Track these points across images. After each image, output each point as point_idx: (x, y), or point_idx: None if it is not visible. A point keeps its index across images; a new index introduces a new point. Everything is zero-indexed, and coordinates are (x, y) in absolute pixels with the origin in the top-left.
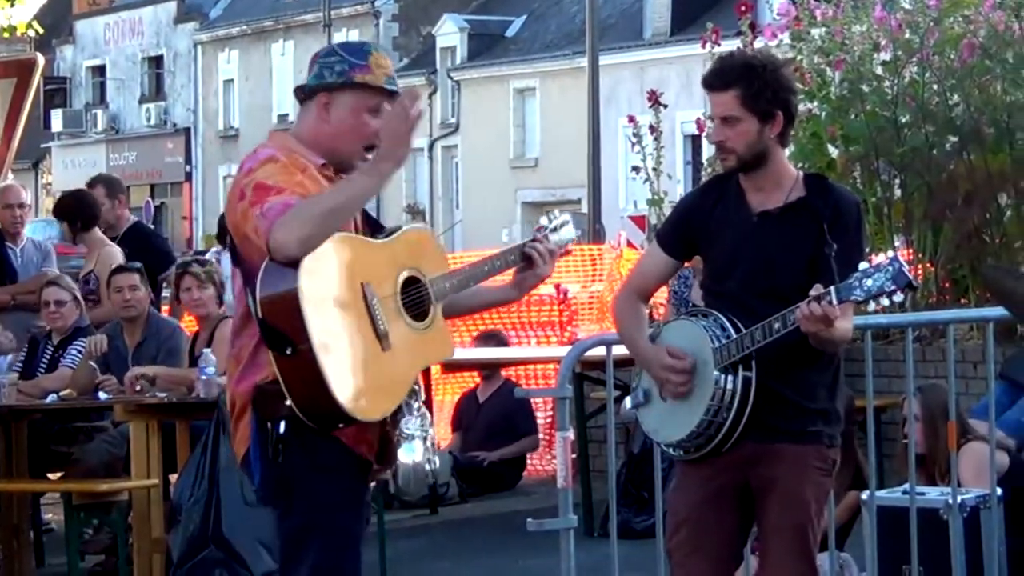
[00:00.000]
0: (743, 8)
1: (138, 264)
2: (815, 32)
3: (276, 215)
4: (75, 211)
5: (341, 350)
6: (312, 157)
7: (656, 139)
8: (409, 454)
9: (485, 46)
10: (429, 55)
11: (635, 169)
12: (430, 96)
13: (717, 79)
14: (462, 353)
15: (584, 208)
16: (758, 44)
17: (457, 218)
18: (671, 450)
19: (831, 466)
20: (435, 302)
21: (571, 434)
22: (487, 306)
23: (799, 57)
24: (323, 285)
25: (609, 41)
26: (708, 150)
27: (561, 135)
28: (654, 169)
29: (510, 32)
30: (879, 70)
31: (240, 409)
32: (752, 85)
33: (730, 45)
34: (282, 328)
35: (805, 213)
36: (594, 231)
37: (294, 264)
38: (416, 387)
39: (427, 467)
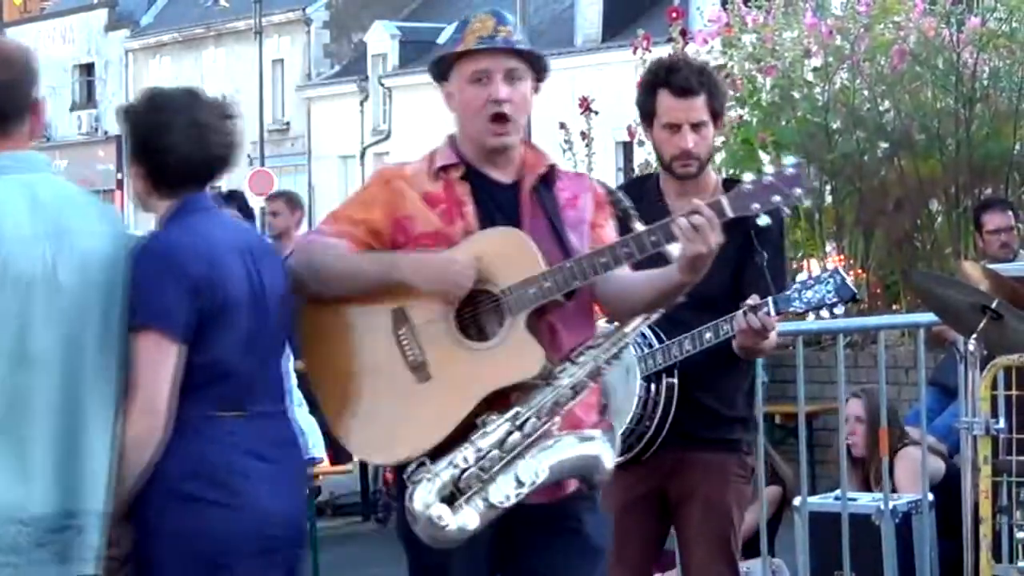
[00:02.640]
0: (674, 15)
1: None
2: (746, 38)
3: (303, 242)
4: None
5: (348, 388)
6: (442, 159)
7: (587, 145)
8: (423, 498)
9: (417, 53)
10: (360, 62)
11: None
12: (361, 103)
13: (694, 83)
14: None
15: None
16: (689, 50)
17: None
18: None
19: (750, 473)
20: (512, 314)
21: None
22: (662, 296)
23: (730, 63)
24: (336, 318)
25: (540, 47)
26: (639, 156)
27: None
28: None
29: (442, 39)
30: (810, 76)
31: None
32: (716, 90)
33: (661, 51)
34: None
35: (730, 220)
36: None
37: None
38: (486, 421)
39: (445, 524)
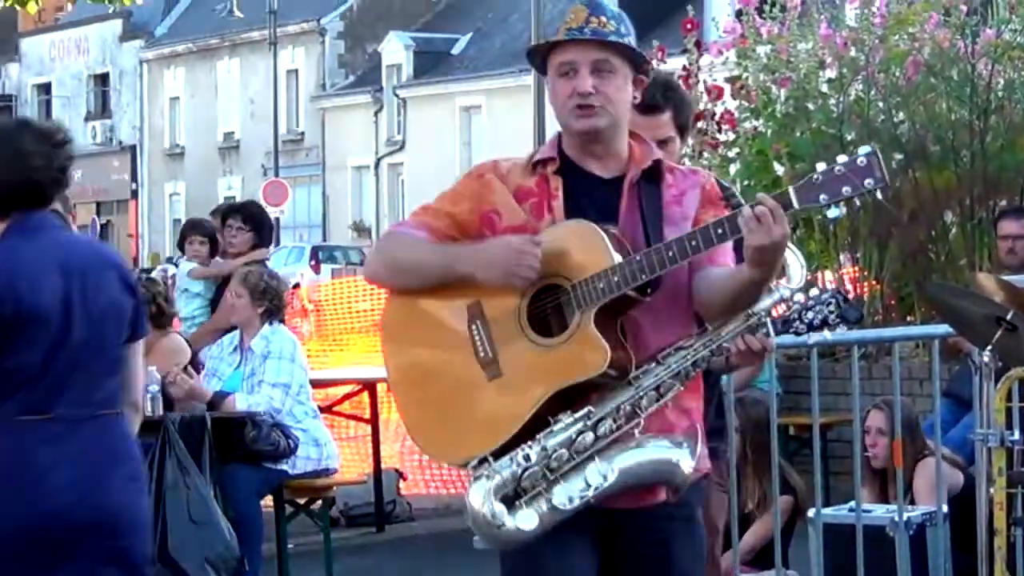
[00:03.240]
0: (689, 26)
1: None
2: (761, 50)
3: (392, 227)
4: None
5: (422, 386)
6: (541, 154)
7: None
8: (480, 495)
9: (431, 63)
10: (375, 72)
11: None
12: (375, 114)
13: (659, 99)
14: None
15: None
16: (704, 62)
17: None
18: None
19: (726, 480)
20: (580, 309)
21: None
22: (737, 295)
23: (745, 75)
24: (414, 311)
25: None
26: None
27: (507, 152)
28: None
29: (456, 50)
30: (824, 88)
31: None
32: (681, 103)
33: (676, 63)
34: None
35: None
36: None
37: None
38: (556, 420)
39: (501, 523)
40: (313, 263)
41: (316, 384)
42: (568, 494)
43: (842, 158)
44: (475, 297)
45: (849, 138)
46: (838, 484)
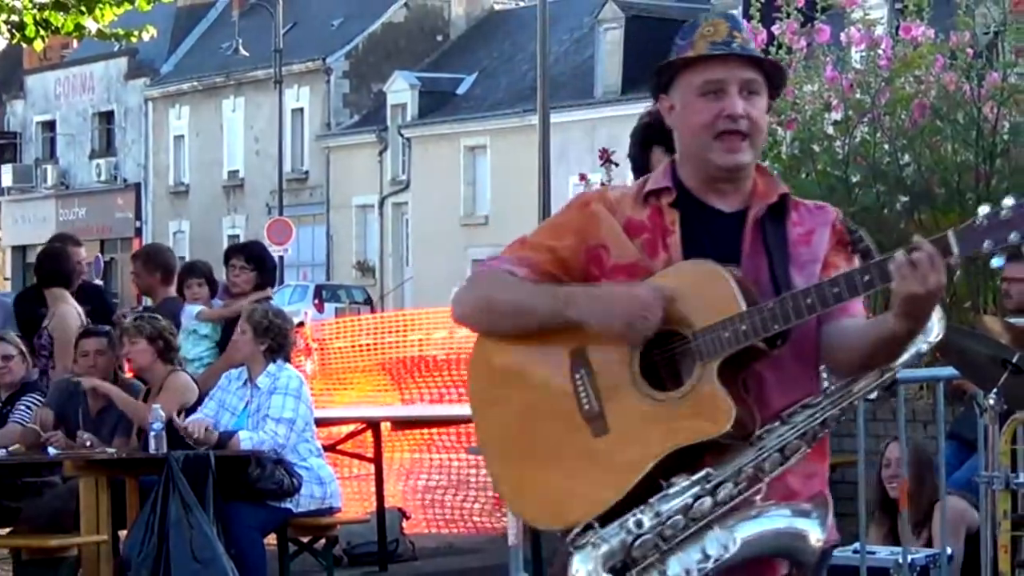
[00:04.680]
0: None
1: (106, 328)
2: None
3: (478, 269)
4: (39, 266)
5: (516, 440)
6: (654, 183)
7: None
8: (587, 566)
9: (436, 103)
10: (380, 112)
11: None
12: (380, 153)
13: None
14: (414, 410)
15: None
16: None
17: (407, 275)
18: None
19: None
20: (702, 360)
21: None
22: (878, 348)
23: None
24: (505, 359)
25: (560, 99)
26: None
27: (512, 193)
28: None
29: (461, 90)
30: (830, 130)
31: None
32: None
33: None
34: None
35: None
36: None
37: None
38: (672, 483)
39: None
40: (317, 302)
41: (320, 423)
42: (684, 566)
43: (1009, 201)
44: (578, 343)
45: (854, 180)
46: (844, 525)
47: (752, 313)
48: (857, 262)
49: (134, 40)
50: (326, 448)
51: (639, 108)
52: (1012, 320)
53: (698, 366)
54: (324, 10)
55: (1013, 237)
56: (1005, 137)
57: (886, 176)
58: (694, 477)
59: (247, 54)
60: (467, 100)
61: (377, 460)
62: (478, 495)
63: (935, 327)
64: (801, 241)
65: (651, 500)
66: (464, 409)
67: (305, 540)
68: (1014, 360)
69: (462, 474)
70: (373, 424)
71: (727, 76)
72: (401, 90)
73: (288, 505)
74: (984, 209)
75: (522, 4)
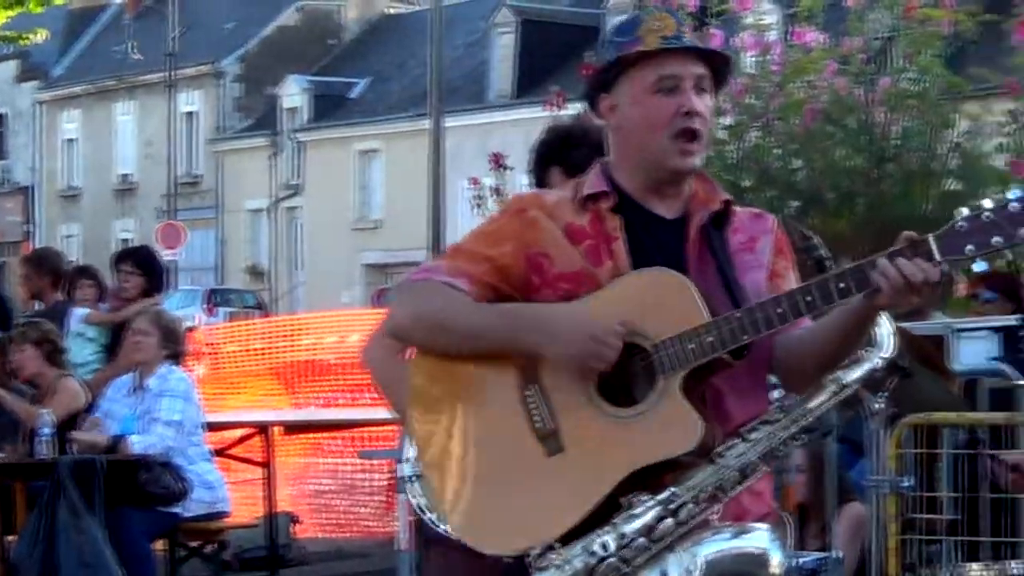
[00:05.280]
0: (586, 71)
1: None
2: None
3: (412, 280)
4: None
5: (462, 462)
6: (590, 187)
7: (499, 201)
8: None
9: (329, 107)
10: (273, 116)
11: None
12: (273, 157)
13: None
14: (304, 414)
15: None
16: None
17: (299, 280)
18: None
19: None
20: (664, 374)
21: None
22: (833, 361)
23: None
24: (449, 372)
25: (453, 103)
26: None
27: (404, 197)
28: None
29: (354, 94)
30: (722, 134)
31: None
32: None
33: (574, 108)
34: None
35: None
36: None
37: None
38: (633, 503)
39: None
40: (208, 306)
41: (210, 427)
42: None
43: (988, 202)
44: (528, 357)
45: (746, 184)
46: None
47: (719, 324)
48: (796, 272)
49: (25, 43)
50: (216, 452)
51: (532, 113)
52: (900, 324)
53: (660, 380)
54: (217, 14)
55: (996, 241)
56: (896, 142)
57: (777, 181)
58: (659, 497)
59: (140, 57)
60: (360, 104)
61: (267, 464)
62: (368, 499)
63: (887, 341)
64: (744, 248)
65: (615, 520)
66: (354, 413)
67: (195, 545)
68: (902, 364)
69: (352, 478)
70: (263, 428)
71: (682, 71)
72: (294, 94)
73: (177, 510)
74: (963, 211)
75: (415, 8)
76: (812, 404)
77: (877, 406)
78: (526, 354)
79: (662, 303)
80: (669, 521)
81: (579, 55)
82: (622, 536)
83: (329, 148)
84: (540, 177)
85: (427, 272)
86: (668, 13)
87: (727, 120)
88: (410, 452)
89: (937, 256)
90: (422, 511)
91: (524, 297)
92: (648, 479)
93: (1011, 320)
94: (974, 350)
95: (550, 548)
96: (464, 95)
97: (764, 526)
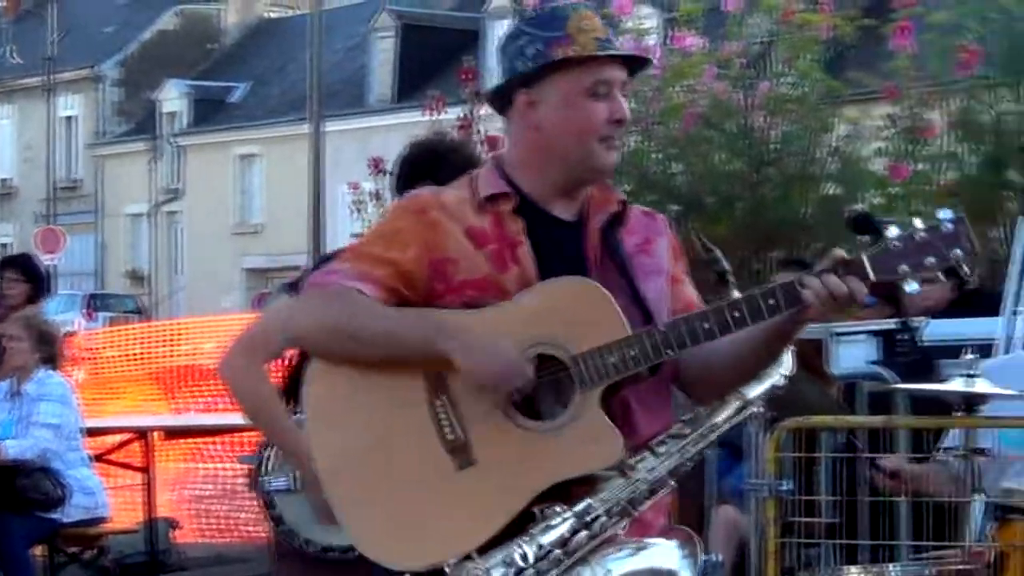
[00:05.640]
0: (465, 76)
1: None
2: None
3: (311, 284)
4: None
5: (365, 477)
6: (488, 187)
7: (378, 206)
8: None
9: (209, 112)
10: (152, 120)
11: (357, 236)
12: (153, 161)
13: None
14: (184, 419)
15: None
16: (482, 112)
17: (180, 284)
18: (306, 545)
19: None
20: (583, 387)
21: None
22: (751, 372)
23: None
24: (351, 377)
25: (333, 108)
26: None
27: (284, 201)
28: None
29: (234, 98)
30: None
31: None
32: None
33: (454, 113)
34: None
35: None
36: None
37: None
38: (548, 513)
39: None
40: (87, 311)
41: (90, 432)
42: None
43: (920, 222)
44: (437, 365)
45: (625, 189)
46: None
47: (641, 337)
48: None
49: None
50: (96, 458)
51: (412, 117)
52: None
53: (578, 393)
54: (97, 18)
55: (930, 262)
56: (775, 146)
57: (657, 185)
58: (575, 508)
59: (19, 61)
60: (240, 108)
61: (147, 470)
62: (247, 504)
63: (787, 359)
64: (641, 251)
65: (532, 531)
66: (234, 418)
67: (74, 551)
68: None
69: (232, 483)
70: (143, 433)
71: (613, 77)
72: (173, 98)
73: (56, 515)
74: (894, 230)
75: (295, 12)
76: (718, 419)
77: (756, 410)
78: (438, 361)
79: (581, 314)
80: (583, 534)
81: (459, 59)
82: (540, 547)
83: (209, 152)
84: (407, 192)
85: (330, 276)
86: (592, 12)
87: None
88: (274, 463)
89: (871, 276)
90: (280, 523)
91: (427, 303)
92: (558, 490)
93: (890, 324)
94: (853, 354)
95: (467, 558)
96: (344, 99)
97: (673, 543)
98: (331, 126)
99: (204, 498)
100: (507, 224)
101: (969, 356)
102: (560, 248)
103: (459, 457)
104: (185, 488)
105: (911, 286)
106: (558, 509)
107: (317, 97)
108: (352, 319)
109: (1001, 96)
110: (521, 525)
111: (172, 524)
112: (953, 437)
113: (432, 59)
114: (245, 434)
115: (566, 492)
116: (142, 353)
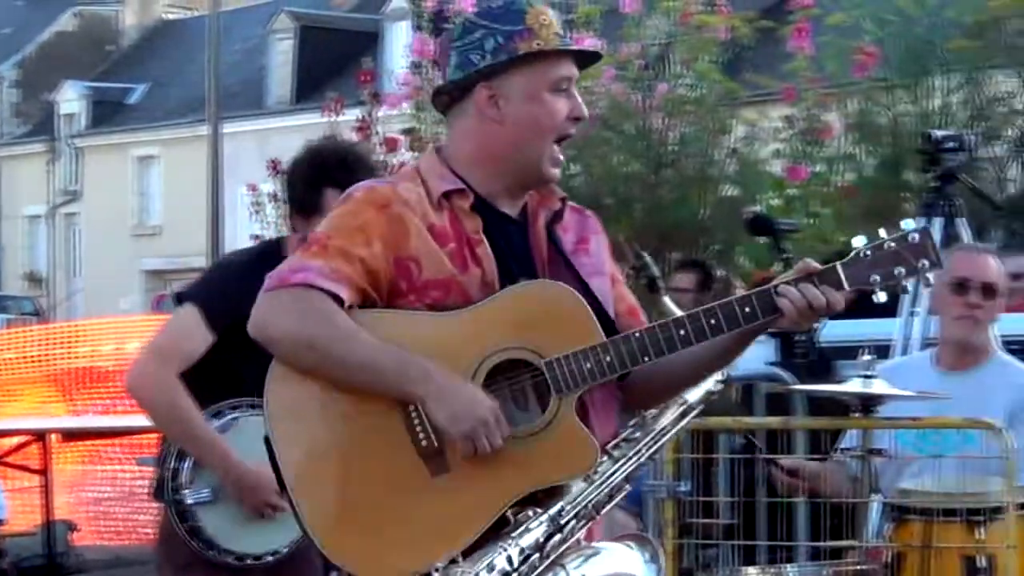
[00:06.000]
0: (364, 78)
1: None
2: None
3: (277, 281)
4: None
5: (337, 484)
6: (439, 180)
7: (277, 207)
8: None
9: (107, 113)
10: (50, 122)
11: (256, 238)
12: (50, 163)
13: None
14: (82, 421)
15: None
16: (380, 114)
17: (78, 286)
18: (223, 555)
19: None
20: (559, 393)
21: None
22: (701, 374)
23: (420, 126)
24: (314, 389)
25: (231, 109)
26: None
27: (183, 203)
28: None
29: (132, 100)
30: None
31: None
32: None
33: (353, 114)
34: (272, 455)
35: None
36: None
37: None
38: (522, 518)
39: None
40: None
41: None
42: None
43: (883, 232)
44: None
45: None
46: None
47: (617, 343)
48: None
49: None
50: None
51: (311, 119)
52: None
53: (555, 399)
54: None
55: (899, 272)
56: (673, 147)
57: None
58: (550, 512)
59: None
60: (138, 110)
61: (45, 472)
62: (146, 507)
63: None
64: (580, 250)
65: (512, 535)
66: (134, 420)
67: None
68: None
69: (131, 485)
70: (41, 435)
71: (572, 73)
72: (71, 100)
73: None
74: (861, 240)
75: (194, 14)
76: (665, 422)
77: (694, 413)
78: (410, 402)
79: (554, 318)
80: (557, 537)
81: (357, 61)
82: (521, 551)
83: (107, 154)
84: (310, 197)
85: (302, 273)
86: (546, 5)
87: None
88: (191, 476)
89: (846, 285)
90: (198, 535)
91: (390, 304)
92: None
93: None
94: (750, 355)
95: (452, 562)
96: (243, 101)
97: (634, 545)
98: (229, 128)
99: (103, 500)
100: (464, 222)
101: (866, 357)
102: (510, 246)
103: (433, 464)
104: (83, 490)
105: (879, 296)
106: (531, 513)
107: (215, 99)
108: (331, 343)
109: (898, 98)
110: (493, 530)
111: (70, 527)
112: (850, 438)
113: (331, 61)
114: (144, 436)
115: (533, 496)
116: (40, 355)
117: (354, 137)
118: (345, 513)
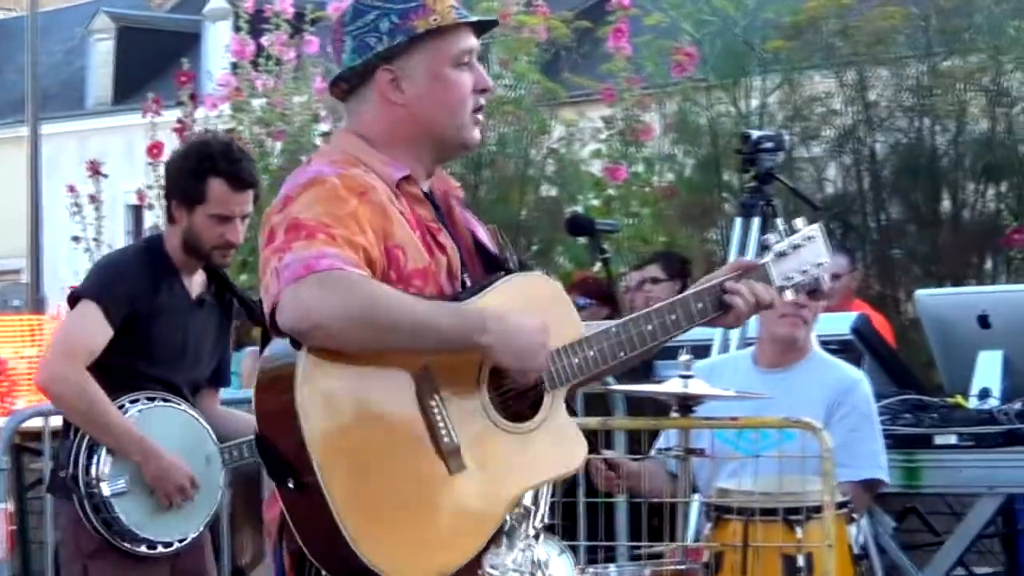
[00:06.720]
0: (184, 78)
1: None
2: (256, 103)
3: (304, 270)
4: None
5: (369, 485)
6: (386, 167)
7: (96, 208)
8: None
9: None
10: None
11: (75, 239)
12: None
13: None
14: None
15: (25, 278)
16: (199, 115)
17: None
18: (143, 547)
19: None
20: (552, 388)
21: (10, 506)
22: (630, 364)
23: (240, 127)
24: (343, 384)
25: (51, 110)
26: (149, 220)
27: (2, 204)
28: (95, 239)
29: None
30: (319, 141)
31: (272, 544)
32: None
33: (171, 115)
34: (282, 448)
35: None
36: (35, 301)
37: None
38: (525, 508)
39: None
40: None
41: None
42: None
43: (781, 223)
44: (422, 365)
45: None
46: None
47: (599, 339)
48: None
49: None
50: None
51: (131, 119)
52: None
53: (548, 395)
54: None
55: (811, 268)
56: (492, 148)
57: None
58: (533, 508)
59: None
60: None
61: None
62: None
63: None
64: (458, 205)
65: (520, 530)
66: None
67: None
68: None
69: None
70: None
71: (473, 45)
72: None
73: None
74: (771, 237)
75: (12, 14)
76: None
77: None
78: (473, 352)
79: (542, 313)
80: (540, 534)
81: (177, 62)
82: (528, 546)
83: None
84: (195, 187)
85: (327, 260)
86: None
87: (324, 126)
88: (106, 468)
89: (775, 282)
90: (114, 525)
91: None
92: None
93: None
94: None
95: (481, 555)
96: (62, 102)
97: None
98: (49, 128)
99: None
100: (417, 209)
101: (685, 357)
102: (443, 227)
103: (452, 461)
104: None
105: (788, 294)
106: (521, 510)
107: (34, 99)
108: (387, 311)
109: (717, 98)
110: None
111: None
112: (669, 437)
113: (150, 61)
114: None
115: None
116: None
117: (174, 138)
118: (366, 509)
